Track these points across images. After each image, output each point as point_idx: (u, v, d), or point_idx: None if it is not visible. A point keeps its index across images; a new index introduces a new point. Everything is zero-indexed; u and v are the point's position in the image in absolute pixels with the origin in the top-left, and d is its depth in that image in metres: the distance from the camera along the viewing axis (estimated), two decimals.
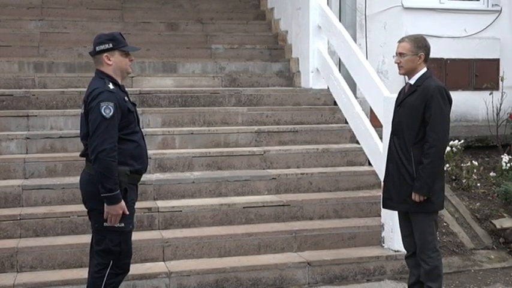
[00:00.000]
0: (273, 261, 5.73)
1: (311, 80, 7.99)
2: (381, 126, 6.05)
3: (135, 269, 5.14)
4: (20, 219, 5.69)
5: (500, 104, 8.25)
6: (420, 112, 4.66)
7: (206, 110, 7.33)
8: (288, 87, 8.27)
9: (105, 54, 4.40)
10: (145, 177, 5.54)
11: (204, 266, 5.56)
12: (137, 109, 4.70)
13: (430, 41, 4.95)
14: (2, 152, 6.46)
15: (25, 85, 7.51)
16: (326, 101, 7.83)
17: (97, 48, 4.42)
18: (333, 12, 7.80)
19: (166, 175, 6.44)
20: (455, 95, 5.24)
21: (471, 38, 8.91)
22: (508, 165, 7.53)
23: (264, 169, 6.75)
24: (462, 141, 7.68)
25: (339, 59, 7.74)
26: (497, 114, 8.19)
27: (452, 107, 4.80)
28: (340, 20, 7.99)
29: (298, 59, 8.41)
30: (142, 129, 4.63)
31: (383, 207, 5.07)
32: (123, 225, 4.33)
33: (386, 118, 5.62)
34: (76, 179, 5.12)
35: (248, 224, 6.13)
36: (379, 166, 6.08)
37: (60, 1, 9.32)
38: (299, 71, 8.34)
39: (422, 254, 4.77)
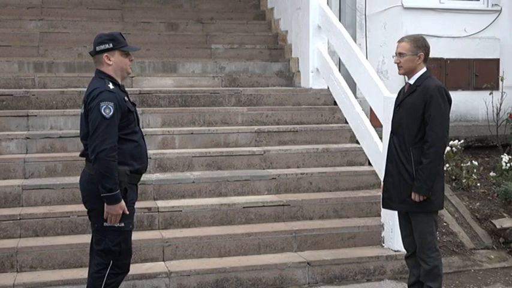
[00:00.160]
0: (273, 261, 5.73)
1: (311, 80, 7.99)
2: (381, 126, 6.05)
3: (135, 269, 5.14)
4: (20, 219, 5.69)
5: (500, 104, 8.26)
6: (420, 112, 4.66)
7: (206, 110, 7.33)
8: (288, 87, 8.27)
9: (106, 54, 4.40)
10: (145, 177, 5.54)
11: (204, 266, 5.56)
12: (137, 109, 4.70)
13: (430, 40, 4.96)
14: (2, 152, 6.46)
15: (25, 85, 7.51)
16: (326, 101, 7.83)
17: (97, 48, 4.42)
18: (333, 12, 7.80)
19: (166, 175, 6.44)
20: (455, 95, 5.25)
21: (471, 37, 8.90)
22: (508, 165, 7.53)
23: (264, 169, 6.75)
24: (462, 141, 7.69)
25: (339, 59, 7.74)
26: (497, 114, 8.20)
27: (452, 107, 4.81)
28: (340, 20, 7.99)
29: (298, 59, 8.42)
30: (142, 129, 4.63)
31: (383, 207, 5.07)
32: (123, 225, 4.34)
33: (386, 118, 5.62)
34: (76, 179, 5.13)
35: (248, 224, 6.13)
36: (379, 166, 6.08)
37: (60, 1, 9.32)
38: (299, 71, 8.34)
39: (422, 254, 4.77)
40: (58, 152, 6.57)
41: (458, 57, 8.86)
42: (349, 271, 5.82)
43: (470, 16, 8.98)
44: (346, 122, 7.30)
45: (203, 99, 7.57)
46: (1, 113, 6.83)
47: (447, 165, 7.33)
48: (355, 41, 7.87)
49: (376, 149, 6.33)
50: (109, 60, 4.41)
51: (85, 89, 4.49)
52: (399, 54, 4.80)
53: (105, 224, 4.31)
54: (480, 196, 7.31)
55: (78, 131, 4.62)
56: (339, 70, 7.70)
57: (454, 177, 7.47)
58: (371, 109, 6.84)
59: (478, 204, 7.15)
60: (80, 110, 4.55)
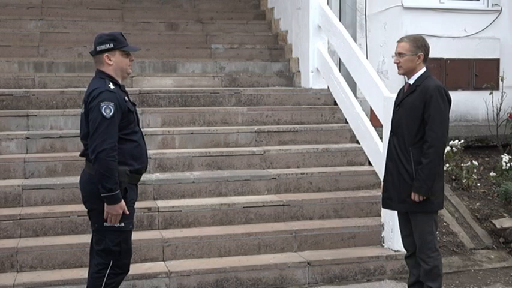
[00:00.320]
0: (273, 261, 5.73)
1: (311, 80, 7.99)
2: (381, 126, 6.05)
3: (135, 269, 5.14)
4: (20, 219, 5.69)
5: (500, 104, 8.26)
6: (419, 112, 4.66)
7: (206, 110, 7.33)
8: (288, 87, 8.27)
9: (106, 54, 4.40)
10: (145, 177, 5.54)
11: (204, 266, 5.56)
12: (137, 109, 4.70)
13: (429, 40, 4.96)
14: (2, 152, 6.46)
15: (25, 85, 7.51)
16: (326, 101, 7.83)
17: (98, 48, 4.42)
18: (333, 12, 7.80)
19: (166, 175, 6.44)
20: (455, 95, 5.25)
21: (471, 37, 8.90)
22: (508, 165, 7.53)
23: (264, 169, 6.75)
24: (462, 141, 7.69)
25: (339, 59, 7.74)
26: (497, 114, 8.20)
27: (452, 107, 4.81)
28: (340, 20, 7.99)
29: (298, 58, 8.42)
30: (142, 129, 4.63)
31: (383, 207, 5.07)
32: (123, 225, 4.34)
33: (386, 118, 5.62)
34: (76, 179, 5.13)
35: (248, 224, 6.13)
36: (379, 166, 6.08)
37: (60, 1, 9.32)
38: (299, 71, 8.34)
39: (422, 254, 4.77)
40: (58, 152, 6.57)
41: (458, 57, 8.86)
42: (349, 271, 5.82)
43: (470, 16, 8.97)
44: (346, 122, 7.30)
45: (203, 99, 7.57)
46: (1, 113, 6.83)
47: (447, 165, 7.33)
48: (355, 41, 7.87)
49: (376, 149, 6.33)
50: (109, 60, 4.41)
51: (85, 89, 4.49)
52: (399, 54, 4.80)
53: (105, 224, 4.31)
54: (480, 196, 7.31)
55: (78, 131, 4.62)
56: (339, 70, 7.70)
57: (454, 177, 7.47)
58: (371, 109, 6.84)
59: (478, 204, 7.15)
60: (80, 110, 4.55)
